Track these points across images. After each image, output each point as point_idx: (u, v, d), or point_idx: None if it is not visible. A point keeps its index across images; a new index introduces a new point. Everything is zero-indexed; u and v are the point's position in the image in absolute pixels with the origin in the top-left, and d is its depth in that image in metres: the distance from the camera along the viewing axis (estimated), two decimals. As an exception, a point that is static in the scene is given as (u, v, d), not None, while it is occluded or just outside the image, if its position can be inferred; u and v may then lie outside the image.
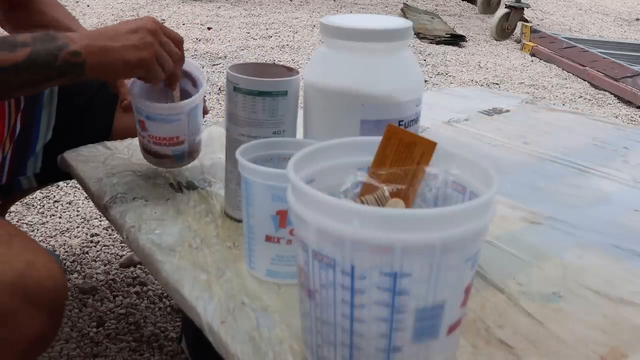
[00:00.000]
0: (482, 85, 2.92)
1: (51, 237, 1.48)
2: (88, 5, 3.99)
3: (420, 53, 3.35)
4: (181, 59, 0.81)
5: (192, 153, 0.89)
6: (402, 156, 0.54)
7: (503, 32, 3.87)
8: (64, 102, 1.05)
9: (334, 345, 0.48)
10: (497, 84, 2.97)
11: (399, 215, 0.44)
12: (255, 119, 0.73)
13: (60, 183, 1.71)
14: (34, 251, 0.69)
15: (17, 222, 1.54)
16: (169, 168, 0.91)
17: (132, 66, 0.75)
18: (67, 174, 0.97)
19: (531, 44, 3.62)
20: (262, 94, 0.72)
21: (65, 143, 0.98)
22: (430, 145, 0.54)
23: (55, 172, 1.00)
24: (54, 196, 1.67)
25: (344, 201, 0.50)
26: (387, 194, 0.52)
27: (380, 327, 0.46)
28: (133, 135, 1.02)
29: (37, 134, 1.03)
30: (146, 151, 0.88)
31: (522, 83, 3.02)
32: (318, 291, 0.48)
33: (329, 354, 0.49)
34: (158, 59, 0.77)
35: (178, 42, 0.81)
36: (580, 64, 3.24)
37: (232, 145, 0.75)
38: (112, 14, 3.74)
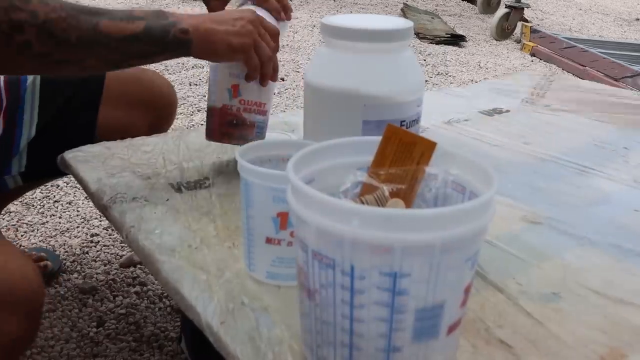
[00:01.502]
0: (482, 85, 2.92)
1: (51, 237, 1.48)
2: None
3: (420, 53, 3.35)
4: (275, 50, 0.85)
5: (265, 129, 0.91)
6: (401, 156, 0.54)
7: (503, 32, 3.87)
8: (46, 100, 1.04)
9: (333, 345, 0.48)
10: (497, 84, 2.97)
11: (398, 215, 0.44)
12: None
13: (60, 183, 1.71)
14: (6, 254, 0.68)
15: (17, 222, 1.54)
16: (243, 143, 0.83)
17: (234, 50, 0.79)
18: (54, 172, 0.97)
19: (531, 44, 3.62)
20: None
21: (49, 140, 0.97)
22: (430, 145, 0.54)
23: (41, 170, 1.00)
24: (54, 196, 1.67)
25: (343, 201, 0.50)
26: (386, 194, 0.52)
27: (380, 327, 0.46)
28: (117, 130, 1.02)
29: (21, 132, 1.02)
30: (229, 125, 0.88)
31: (522, 83, 3.02)
32: (318, 291, 0.48)
33: (329, 354, 0.49)
34: (256, 48, 0.81)
35: (274, 34, 0.85)
36: (580, 64, 3.24)
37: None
38: (112, 14, 3.74)
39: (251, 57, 0.82)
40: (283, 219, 0.62)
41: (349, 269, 0.45)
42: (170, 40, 0.76)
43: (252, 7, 0.89)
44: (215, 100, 0.88)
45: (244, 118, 0.87)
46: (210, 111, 0.89)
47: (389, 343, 0.46)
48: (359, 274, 0.45)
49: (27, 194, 1.60)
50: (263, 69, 0.83)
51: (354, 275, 0.45)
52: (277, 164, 0.68)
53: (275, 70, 0.86)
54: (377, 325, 0.46)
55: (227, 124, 0.88)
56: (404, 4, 4.56)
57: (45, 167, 0.97)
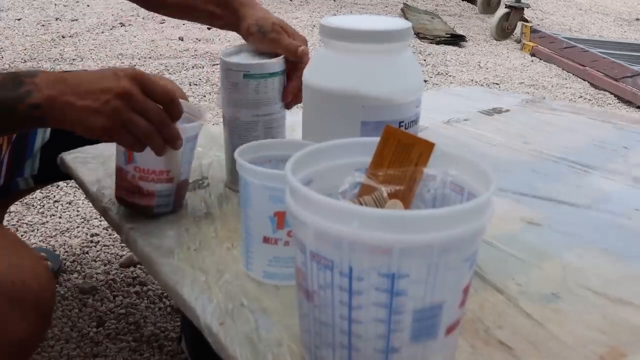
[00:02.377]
0: (482, 85, 2.92)
1: (51, 237, 1.48)
2: (88, 5, 3.99)
3: (420, 53, 3.35)
4: (166, 124, 0.69)
5: (178, 200, 0.79)
6: (400, 157, 0.54)
7: (503, 32, 3.87)
8: None
9: (332, 346, 0.48)
10: (497, 84, 2.97)
11: (397, 216, 0.44)
12: (266, 97, 0.81)
13: (60, 183, 1.71)
14: (19, 252, 0.67)
15: (17, 222, 1.54)
16: (146, 215, 0.78)
17: (94, 132, 0.67)
18: (64, 175, 0.97)
19: (531, 44, 3.61)
20: (272, 74, 0.81)
21: (63, 144, 0.98)
22: (428, 146, 0.54)
23: (52, 173, 1.00)
24: (54, 196, 1.67)
25: (342, 202, 0.50)
26: (385, 195, 0.52)
27: (378, 328, 0.46)
28: None
29: (35, 135, 1.03)
30: (125, 190, 0.77)
31: (522, 83, 3.02)
32: (316, 292, 0.47)
33: (327, 355, 0.49)
34: (128, 127, 0.67)
35: (167, 100, 0.69)
36: (580, 64, 3.24)
37: (244, 126, 0.82)
38: (112, 14, 3.74)
39: (121, 139, 0.68)
40: (280, 219, 0.62)
41: (347, 270, 0.45)
42: (19, 118, 0.66)
43: None
44: (116, 159, 0.78)
45: (140, 187, 0.75)
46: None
47: (388, 344, 0.46)
48: (357, 275, 0.44)
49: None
50: (148, 144, 0.69)
51: (352, 277, 0.45)
52: (277, 164, 0.68)
53: (171, 139, 0.70)
54: (376, 326, 0.46)
55: (123, 189, 0.78)
56: (404, 4, 4.56)
57: (57, 171, 0.97)
